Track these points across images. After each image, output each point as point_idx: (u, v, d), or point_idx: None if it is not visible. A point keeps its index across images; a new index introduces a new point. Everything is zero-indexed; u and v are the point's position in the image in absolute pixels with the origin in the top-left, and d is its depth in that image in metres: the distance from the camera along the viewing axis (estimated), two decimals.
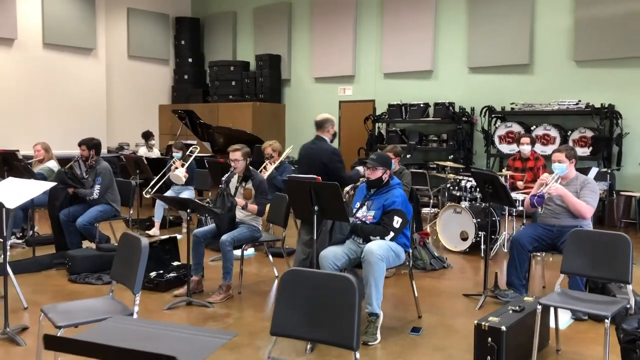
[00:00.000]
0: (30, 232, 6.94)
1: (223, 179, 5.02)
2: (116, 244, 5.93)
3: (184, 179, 7.47)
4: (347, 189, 5.07)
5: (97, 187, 6.01)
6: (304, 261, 4.20)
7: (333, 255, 3.99)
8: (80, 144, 6.14)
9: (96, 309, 3.17)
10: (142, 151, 10.30)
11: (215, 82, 13.65)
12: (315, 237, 3.75)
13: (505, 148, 9.68)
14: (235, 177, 5.11)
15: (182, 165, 7.61)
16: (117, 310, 3.16)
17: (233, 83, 13.46)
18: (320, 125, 5.11)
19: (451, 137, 10.27)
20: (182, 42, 14.46)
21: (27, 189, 3.73)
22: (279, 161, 6.79)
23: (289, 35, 13.11)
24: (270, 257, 5.61)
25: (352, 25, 11.93)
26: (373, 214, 4.10)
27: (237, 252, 6.35)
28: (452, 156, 10.18)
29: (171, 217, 8.09)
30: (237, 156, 4.96)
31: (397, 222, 3.99)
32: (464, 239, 6.67)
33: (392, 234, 3.99)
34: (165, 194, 7.68)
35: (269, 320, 4.32)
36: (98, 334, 1.78)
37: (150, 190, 7.44)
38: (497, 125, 9.78)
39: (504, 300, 4.68)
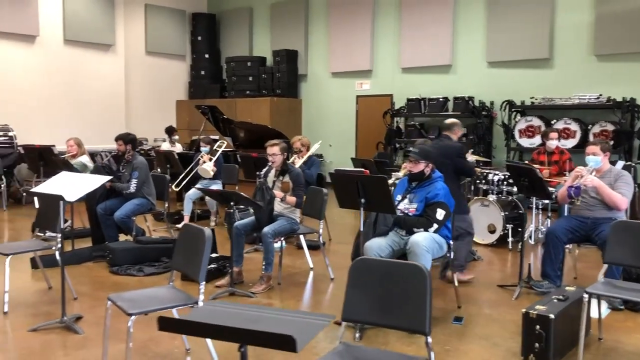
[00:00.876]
0: (66, 226, 7.08)
1: (261, 173, 5.14)
2: (153, 236, 6.09)
3: (212, 173, 7.60)
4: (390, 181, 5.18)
5: (134, 181, 6.13)
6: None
7: (377, 246, 4.11)
8: (117, 139, 6.26)
9: (163, 297, 3.29)
10: (165, 146, 10.42)
11: (232, 78, 13.76)
12: (361, 229, 3.86)
13: (525, 142, 9.75)
14: (273, 171, 5.22)
15: (210, 160, 7.75)
16: (182, 299, 3.28)
17: (250, 78, 13.58)
18: (448, 127, 5.62)
19: (471, 131, 10.34)
20: (199, 38, 14.58)
21: (85, 183, 3.85)
22: (307, 155, 6.90)
23: (306, 30, 13.20)
24: (306, 249, 5.71)
25: (369, 20, 12.00)
26: (416, 207, 4.21)
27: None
28: (472, 150, 10.24)
29: (199, 211, 8.21)
30: (275, 151, 5.08)
31: (440, 214, 4.10)
32: (492, 231, 6.77)
33: (435, 225, 4.10)
34: (192, 189, 7.84)
35: (309, 307, 4.47)
36: (204, 317, 1.89)
37: (178, 184, 7.57)
38: (517, 119, 9.86)
39: (539, 291, 4.79)
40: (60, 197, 3.71)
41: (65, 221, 7.10)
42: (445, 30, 10.95)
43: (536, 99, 9.74)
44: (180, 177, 7.53)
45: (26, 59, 11.61)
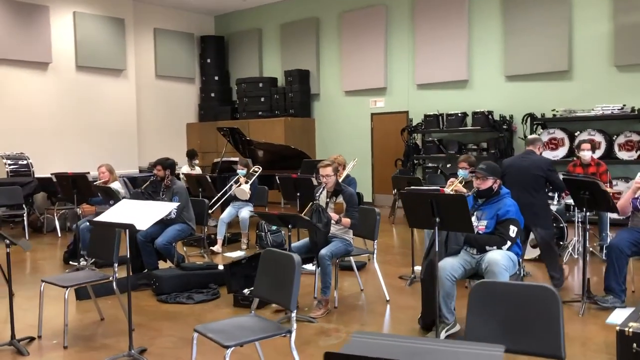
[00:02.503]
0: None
1: (322, 195, 5.05)
2: (198, 262, 5.97)
3: (249, 195, 7.51)
4: None
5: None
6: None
7: (451, 266, 4.02)
8: (155, 164, 6.18)
9: (252, 327, 3.17)
10: (185, 170, 10.32)
11: (243, 99, 13.71)
12: (437, 249, 3.77)
13: (548, 154, 9.68)
14: (324, 192, 5.14)
15: (246, 182, 7.67)
16: (272, 328, 3.16)
17: (262, 99, 13.54)
18: (532, 142, 5.92)
19: (492, 145, 10.31)
20: (208, 61, 14.57)
21: (153, 210, 3.74)
22: (344, 175, 6.82)
23: (317, 49, 13.21)
24: (356, 270, 5.61)
25: (382, 37, 12.03)
26: (485, 224, 4.13)
27: (308, 267, 6.42)
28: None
29: (228, 234, 8.09)
30: (327, 172, 4.99)
31: (513, 231, 4.02)
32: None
33: (508, 243, 4.03)
34: (226, 211, 7.74)
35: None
36: (367, 351, 1.79)
37: (212, 206, 7.47)
38: (539, 132, 9.84)
39: (604, 306, 4.71)
40: (131, 226, 3.60)
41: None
42: (461, 46, 10.97)
43: (557, 111, 9.74)
44: (215, 199, 7.42)
45: (39, 86, 11.54)
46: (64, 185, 6.66)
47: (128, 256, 3.86)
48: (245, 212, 7.63)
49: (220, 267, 5.93)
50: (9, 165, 10.15)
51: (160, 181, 6.20)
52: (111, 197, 5.95)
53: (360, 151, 12.45)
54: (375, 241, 5.19)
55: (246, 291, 5.20)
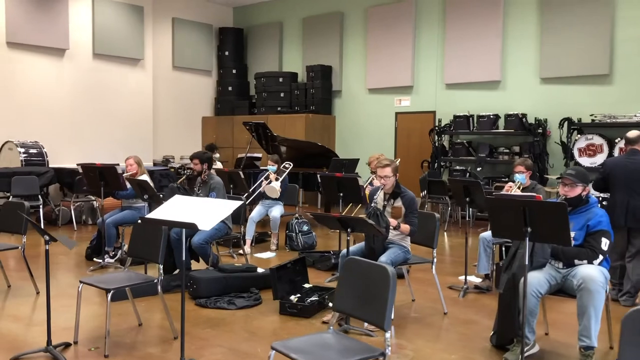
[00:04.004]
0: (121, 251, 6.58)
1: (378, 197, 4.67)
2: (236, 264, 5.58)
3: (279, 193, 7.14)
4: None
5: None
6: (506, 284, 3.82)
7: (537, 282, 3.65)
8: (192, 158, 5.79)
9: (339, 346, 2.79)
10: None
11: (262, 94, 13.32)
12: (526, 262, 3.40)
13: (585, 161, 9.34)
14: (381, 194, 4.76)
15: (276, 179, 7.30)
16: (362, 349, 2.78)
17: (282, 94, 13.15)
18: (635, 140, 5.25)
19: (526, 149, 9.94)
20: (226, 53, 14.16)
21: (216, 209, 3.36)
22: None
23: (341, 45, 12.82)
24: (407, 279, 5.24)
25: (410, 33, 11.64)
26: (573, 235, 3.75)
27: None
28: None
29: (255, 234, 7.71)
30: (386, 172, 4.62)
31: (605, 244, 3.66)
32: None
33: (600, 257, 3.66)
34: (255, 209, 7.37)
35: (448, 350, 3.98)
36: None
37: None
38: (577, 138, 9.47)
39: None
40: (193, 226, 3.22)
41: (119, 247, 6.66)
42: (494, 44, 10.60)
43: (596, 116, 9.37)
44: (245, 196, 7.04)
45: (55, 73, 11.13)
46: (90, 177, 6.27)
47: (182, 258, 3.47)
48: (277, 211, 7.25)
49: (260, 269, 5.55)
50: (23, 153, 9.76)
51: (197, 176, 5.81)
52: (146, 191, 5.55)
53: (383, 151, 11.91)
54: (435, 249, 4.81)
55: (293, 298, 4.83)
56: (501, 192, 5.44)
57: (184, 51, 13.60)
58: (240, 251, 7.11)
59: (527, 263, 3.41)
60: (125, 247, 6.73)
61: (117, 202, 9.09)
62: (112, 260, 6.46)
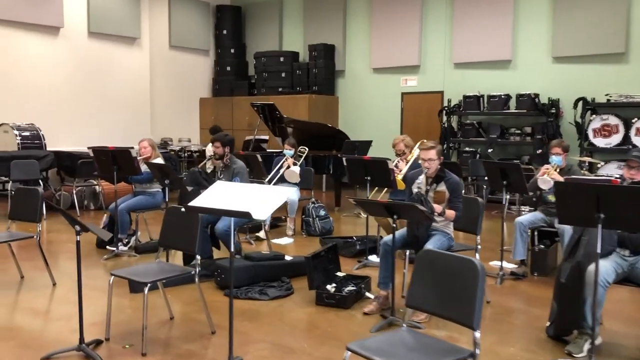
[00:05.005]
0: (133, 239, 6.29)
1: (419, 181, 4.42)
2: (262, 252, 5.32)
3: (299, 178, 6.88)
4: None
5: None
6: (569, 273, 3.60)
7: (605, 270, 3.44)
8: (213, 141, 5.49)
9: (419, 346, 2.55)
10: (209, 148, 9.57)
11: (263, 74, 12.95)
12: (597, 249, 3.18)
13: (600, 142, 9.19)
14: (422, 178, 4.50)
15: (294, 164, 7.03)
16: (449, 350, 2.55)
17: (283, 74, 12.80)
18: None
19: (539, 130, 9.73)
20: (224, 32, 13.73)
21: (269, 196, 3.08)
22: (412, 159, 6.18)
23: (344, 23, 12.47)
24: None
25: (418, 10, 11.34)
26: None
27: (373, 258, 5.82)
28: (539, 150, 9.68)
29: (270, 219, 7.45)
30: (431, 155, 4.36)
31: None
32: None
33: None
34: None
35: (504, 342, 3.76)
36: None
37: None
38: (591, 118, 9.28)
39: None
40: (247, 214, 2.95)
41: (132, 234, 6.37)
42: (505, 23, 10.34)
43: (611, 96, 9.18)
44: (267, 180, 6.77)
45: (50, 52, 10.68)
46: (102, 161, 5.94)
47: (231, 248, 3.20)
48: (294, 195, 6.98)
49: (288, 257, 5.30)
50: (19, 136, 9.35)
51: (218, 160, 5.51)
52: (167, 176, 5.24)
53: (389, 132, 11.70)
54: (479, 236, 4.58)
55: (330, 288, 4.59)
56: (538, 176, 5.23)
57: (181, 30, 13.16)
58: (259, 235, 6.88)
59: (598, 251, 3.19)
60: (139, 234, 6.46)
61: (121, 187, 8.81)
62: (125, 248, 6.17)
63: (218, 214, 3.28)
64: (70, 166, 9.33)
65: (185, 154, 11.60)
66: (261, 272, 4.98)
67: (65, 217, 3.45)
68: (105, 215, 6.80)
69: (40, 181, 8.38)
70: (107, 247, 6.19)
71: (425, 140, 5.92)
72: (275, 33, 13.53)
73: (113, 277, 3.76)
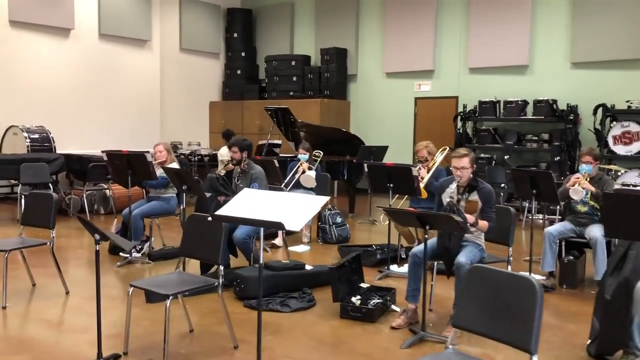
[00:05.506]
0: (145, 246, 6.12)
1: (450, 190, 4.23)
2: (282, 261, 5.13)
3: (315, 183, 6.70)
4: None
5: None
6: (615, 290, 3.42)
7: None
8: (231, 146, 5.31)
9: None
10: (224, 151, 9.41)
11: (274, 78, 12.79)
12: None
13: (620, 149, 8.98)
14: (454, 186, 4.31)
15: (309, 168, 6.85)
16: None
17: (294, 78, 12.64)
18: None
19: (556, 137, 9.54)
20: (235, 35, 13.60)
21: (301, 206, 2.90)
22: (435, 166, 6.00)
23: (357, 26, 12.32)
24: None
25: (432, 15, 11.18)
26: None
27: (395, 268, 5.64)
28: (558, 158, 9.50)
29: None
30: (464, 163, 4.17)
31: None
32: None
33: None
34: None
35: None
36: None
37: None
38: (612, 125, 9.09)
39: None
40: (280, 225, 2.77)
41: (145, 240, 6.20)
42: (522, 28, 10.17)
43: (632, 102, 8.99)
44: (284, 185, 6.60)
45: (60, 54, 10.55)
46: (116, 165, 5.78)
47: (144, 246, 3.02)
48: None
49: (308, 267, 5.12)
50: (29, 139, 9.21)
51: (236, 165, 5.34)
52: (185, 181, 5.06)
53: (401, 138, 11.65)
54: (511, 247, 4.39)
55: (355, 300, 4.40)
56: (567, 186, 5.05)
57: (192, 33, 13.03)
58: (275, 242, 6.70)
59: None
60: (153, 240, 6.29)
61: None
62: (139, 255, 6.00)
63: (247, 224, 3.09)
64: (80, 170, 9.20)
65: (196, 158, 11.43)
66: (281, 283, 4.80)
67: (85, 225, 3.28)
68: (116, 220, 6.65)
69: (50, 185, 8.22)
70: (120, 253, 6.02)
71: (428, 145, 5.78)
72: (286, 36, 13.39)
73: (132, 288, 3.57)
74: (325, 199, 3.00)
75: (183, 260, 4.59)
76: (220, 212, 3.08)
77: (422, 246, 4.21)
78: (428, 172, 5.87)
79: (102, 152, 5.84)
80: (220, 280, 3.58)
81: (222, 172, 5.45)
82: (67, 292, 4.84)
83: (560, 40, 9.90)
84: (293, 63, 12.64)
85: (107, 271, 5.66)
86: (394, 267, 5.68)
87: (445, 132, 11.14)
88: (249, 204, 3.08)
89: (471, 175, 4.23)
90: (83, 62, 10.91)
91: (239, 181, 5.34)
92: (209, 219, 3.06)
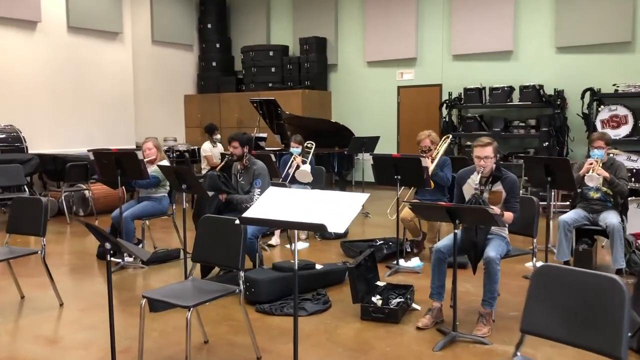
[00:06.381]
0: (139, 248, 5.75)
1: (473, 181, 4.01)
2: (291, 261, 4.85)
3: (312, 177, 6.43)
4: None
5: (257, 191, 4.90)
6: None
7: None
8: (231, 140, 4.98)
9: None
10: (207, 147, 9.07)
11: (251, 69, 12.42)
12: None
13: (610, 132, 8.89)
14: (475, 177, 4.10)
15: (303, 162, 6.58)
16: None
17: (273, 69, 12.29)
18: None
19: (544, 122, 9.47)
20: (208, 26, 13.14)
21: (343, 205, 2.64)
22: (438, 156, 5.80)
23: (336, 15, 12.03)
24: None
25: (414, 2, 10.96)
26: None
27: (403, 263, 5.44)
28: (546, 143, 9.43)
29: None
30: (487, 152, 3.96)
31: None
32: None
33: None
34: None
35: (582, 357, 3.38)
36: None
37: None
38: (599, 109, 9.05)
39: None
40: (322, 227, 2.50)
41: (137, 243, 5.85)
42: (506, 13, 10.04)
43: (619, 86, 8.96)
44: (280, 181, 6.32)
45: (26, 48, 9.96)
46: (104, 164, 5.40)
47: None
48: None
49: (319, 266, 4.86)
50: None
51: (237, 161, 5.03)
52: (185, 180, 4.72)
53: (385, 128, 11.42)
54: (535, 238, 4.21)
55: (375, 300, 4.16)
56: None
57: (164, 24, 12.53)
58: (271, 242, 6.41)
59: None
60: (145, 243, 5.94)
61: (112, 191, 8.23)
62: (131, 259, 5.63)
63: (281, 227, 2.81)
64: (54, 170, 8.74)
65: (174, 154, 11.02)
66: (291, 284, 4.52)
67: (94, 233, 2.97)
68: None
69: (25, 187, 7.76)
70: (112, 258, 5.63)
71: (430, 134, 5.59)
72: (262, 26, 13.02)
73: (145, 299, 3.26)
74: (365, 196, 2.74)
75: (184, 264, 4.31)
76: (248, 214, 2.79)
77: (445, 241, 4.01)
78: (432, 162, 5.69)
79: (89, 150, 5.46)
80: (242, 287, 3.29)
81: (205, 168, 5.13)
82: (61, 304, 4.48)
83: (544, 25, 9.80)
84: (271, 53, 12.29)
85: (99, 278, 5.31)
86: (404, 262, 5.47)
87: (430, 120, 10.97)
88: (278, 204, 2.80)
89: (494, 165, 4.02)
90: (52, 57, 10.35)
91: (240, 178, 5.04)
92: (237, 222, 2.77)
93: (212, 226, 3.47)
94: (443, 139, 6.07)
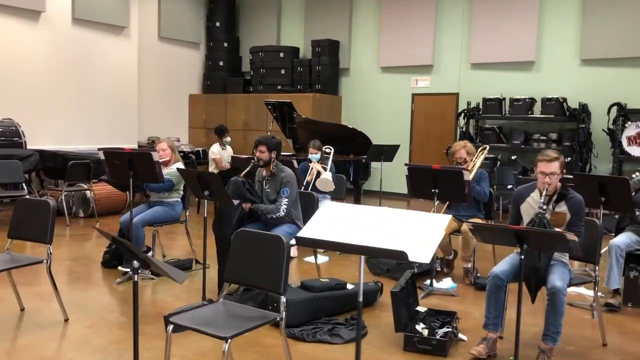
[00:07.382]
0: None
1: (534, 200, 3.61)
2: (321, 280, 4.42)
3: (334, 186, 6.01)
4: None
5: (284, 200, 4.47)
6: None
7: None
8: (257, 144, 4.55)
9: None
10: (216, 149, 8.63)
11: (260, 70, 12.00)
12: None
13: (635, 150, 8.61)
14: (535, 196, 3.69)
15: (324, 169, 6.16)
16: None
17: (282, 71, 11.89)
18: None
19: (567, 137, 9.11)
20: (217, 24, 12.72)
21: (424, 227, 2.22)
22: (477, 167, 5.41)
23: (350, 17, 11.66)
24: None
25: (432, 6, 10.60)
26: None
27: (435, 284, 5.04)
28: (569, 159, 9.05)
29: None
30: (554, 168, 3.55)
31: None
32: None
33: None
34: None
35: None
36: None
37: None
38: (626, 125, 8.70)
39: None
40: (402, 255, 2.09)
41: (147, 250, 5.41)
42: (529, 22, 9.68)
43: None
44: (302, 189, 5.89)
45: (29, 39, 9.51)
46: (116, 165, 4.95)
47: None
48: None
49: (350, 286, 4.43)
50: None
51: (263, 167, 4.61)
52: (207, 186, 4.27)
53: (397, 136, 11.02)
54: (597, 266, 3.82)
55: (420, 329, 3.74)
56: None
57: (171, 20, 12.11)
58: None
59: None
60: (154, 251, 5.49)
61: (115, 192, 7.78)
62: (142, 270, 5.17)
63: (352, 252, 2.37)
64: (54, 167, 8.29)
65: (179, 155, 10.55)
66: (324, 306, 4.11)
67: (121, 248, 2.53)
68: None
69: (24, 185, 7.29)
70: (119, 267, 5.21)
71: (466, 145, 5.20)
72: (272, 26, 12.62)
73: (172, 325, 2.83)
74: (447, 217, 2.32)
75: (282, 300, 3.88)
76: (304, 233, 2.37)
77: (503, 266, 3.61)
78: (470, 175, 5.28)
79: (99, 149, 5.00)
80: (283, 315, 2.87)
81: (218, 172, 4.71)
82: (66, 320, 4.02)
83: (569, 36, 9.46)
84: (281, 55, 11.89)
85: (105, 289, 4.86)
86: (439, 283, 5.06)
87: (444, 130, 10.64)
88: (341, 222, 2.38)
89: (559, 184, 3.62)
90: (55, 49, 9.90)
91: (266, 186, 4.61)
92: (293, 242, 2.34)
93: (249, 242, 3.04)
94: (480, 149, 5.67)
